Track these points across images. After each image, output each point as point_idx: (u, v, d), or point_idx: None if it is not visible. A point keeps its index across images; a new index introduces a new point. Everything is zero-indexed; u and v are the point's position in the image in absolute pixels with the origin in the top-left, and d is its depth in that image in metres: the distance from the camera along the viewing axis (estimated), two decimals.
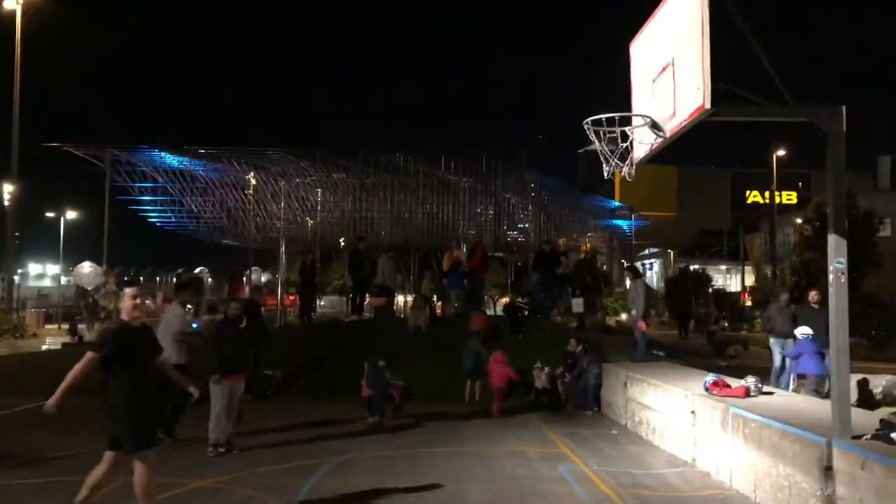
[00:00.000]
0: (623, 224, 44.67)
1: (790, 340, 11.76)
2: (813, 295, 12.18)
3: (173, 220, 29.55)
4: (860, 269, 24.41)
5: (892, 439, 5.76)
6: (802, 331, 11.17)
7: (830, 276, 6.34)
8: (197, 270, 58.55)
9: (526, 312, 16.74)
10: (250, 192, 27.63)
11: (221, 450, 8.80)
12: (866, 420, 6.67)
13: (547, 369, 13.00)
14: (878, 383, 11.81)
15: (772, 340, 12.62)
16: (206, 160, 26.63)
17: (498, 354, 12.77)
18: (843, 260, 6.31)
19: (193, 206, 28.62)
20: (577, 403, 12.55)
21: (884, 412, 7.34)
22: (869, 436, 5.98)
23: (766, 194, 62.66)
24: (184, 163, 27.03)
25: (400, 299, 27.01)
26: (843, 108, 6.34)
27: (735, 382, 8.94)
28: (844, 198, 6.82)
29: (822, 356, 10.59)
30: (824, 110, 6.40)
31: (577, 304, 16.85)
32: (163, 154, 26.36)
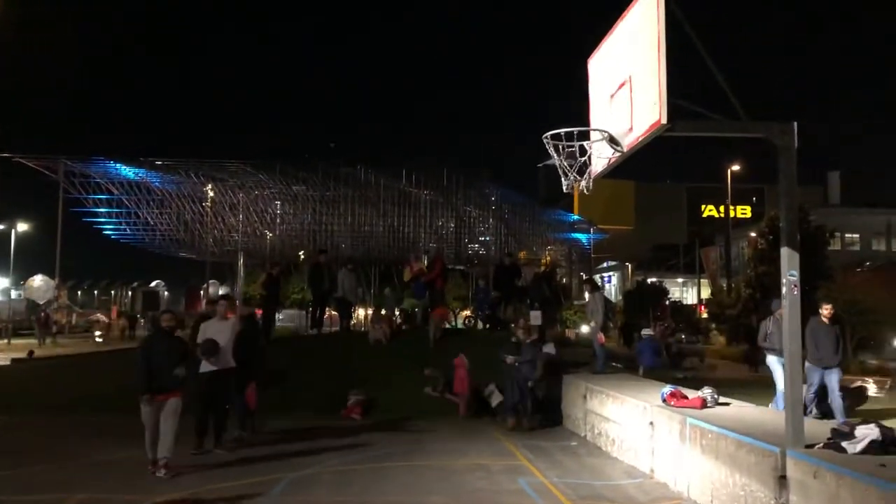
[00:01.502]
0: (582, 237, 45.16)
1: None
2: (826, 308, 10.98)
3: (128, 232, 29.10)
4: (812, 281, 24.97)
5: (843, 448, 5.89)
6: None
7: (783, 289, 6.49)
8: (153, 284, 57.66)
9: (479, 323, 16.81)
10: (208, 204, 27.32)
11: (153, 469, 8.33)
12: (818, 429, 6.81)
13: (493, 385, 12.91)
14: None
15: (771, 359, 11.07)
16: (162, 172, 26.31)
17: (459, 359, 12.84)
18: (796, 272, 6.46)
19: (149, 219, 28.25)
20: (508, 406, 12.12)
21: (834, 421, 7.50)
22: (821, 445, 6.11)
23: (721, 208, 63.89)
24: (140, 174, 26.66)
25: (360, 313, 26.89)
26: (795, 124, 6.51)
27: (692, 394, 9.06)
28: (797, 212, 6.98)
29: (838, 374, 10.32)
30: (777, 126, 6.55)
31: (536, 317, 16.94)
32: (118, 166, 25.96)
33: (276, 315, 18.69)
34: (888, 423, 6.40)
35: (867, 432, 5.94)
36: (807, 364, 10.80)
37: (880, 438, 5.86)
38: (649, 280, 58.91)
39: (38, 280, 37.07)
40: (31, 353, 23.38)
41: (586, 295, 16.51)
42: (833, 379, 10.26)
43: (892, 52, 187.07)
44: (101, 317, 47.83)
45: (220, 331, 9.91)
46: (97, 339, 31.33)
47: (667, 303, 49.80)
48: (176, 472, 8.37)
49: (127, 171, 26.25)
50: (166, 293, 52.92)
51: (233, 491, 7.77)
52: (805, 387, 11.27)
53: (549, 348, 14.88)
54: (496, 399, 12.72)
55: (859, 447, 5.84)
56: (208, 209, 27.33)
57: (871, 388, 14.60)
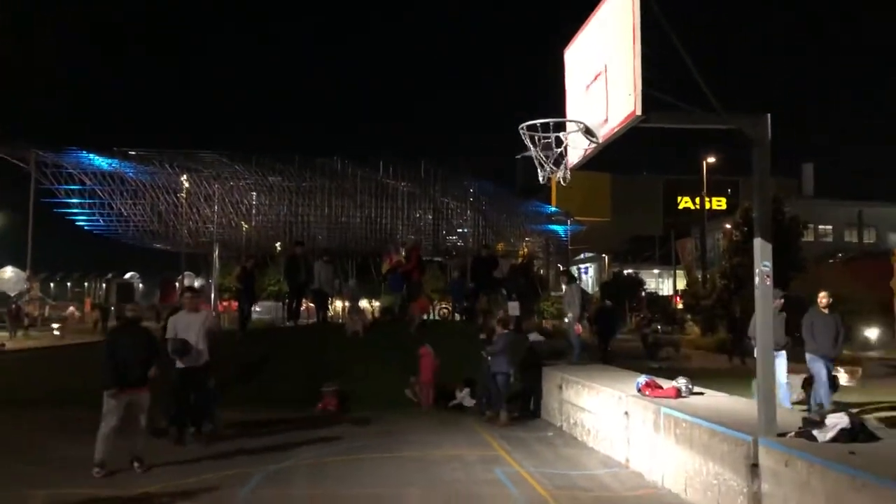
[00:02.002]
0: (559, 229, 45.34)
1: (784, 352, 10.70)
2: (822, 298, 10.93)
3: (102, 223, 28.74)
4: (785, 272, 25.27)
5: (813, 436, 5.96)
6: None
7: (756, 280, 6.54)
8: (127, 276, 57.04)
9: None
10: (183, 195, 27.05)
11: (101, 471, 7.94)
12: (791, 418, 6.89)
13: (467, 390, 12.84)
14: (799, 382, 12.23)
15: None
16: (136, 162, 25.99)
17: (425, 349, 12.80)
18: (769, 263, 6.51)
19: (123, 210, 27.91)
20: (483, 403, 12.11)
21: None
22: (792, 433, 6.18)
23: (697, 200, 64.43)
24: (113, 165, 26.31)
25: (338, 304, 26.79)
26: (769, 116, 6.55)
27: (667, 384, 9.12)
28: (770, 203, 7.05)
29: (828, 365, 10.36)
30: (751, 118, 6.59)
31: (514, 308, 16.99)
32: (91, 156, 25.60)
33: (253, 308, 18.53)
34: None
35: (837, 421, 6.01)
36: (807, 356, 10.84)
37: (850, 427, 5.93)
38: (626, 271, 59.34)
39: (9, 272, 36.51)
40: (1, 345, 23.07)
41: (563, 287, 16.59)
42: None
43: (866, 47, 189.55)
44: (73, 309, 47.25)
45: (189, 324, 9.73)
46: (55, 333, 30.69)
47: (643, 294, 50.22)
48: (149, 466, 8.29)
49: (100, 162, 25.88)
50: (141, 285, 52.35)
51: (208, 484, 7.72)
52: (799, 379, 11.36)
53: (535, 336, 14.95)
54: (468, 402, 12.67)
55: (829, 435, 5.91)
56: (183, 200, 27.04)
57: (843, 378, 14.82)
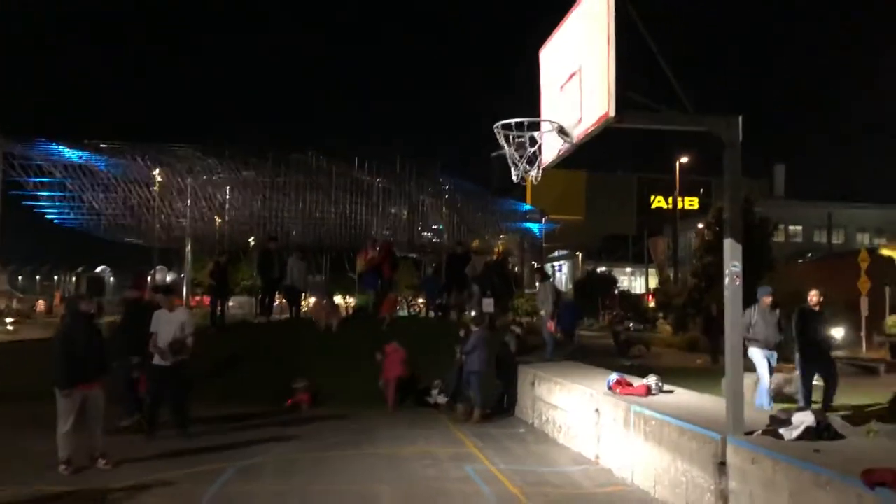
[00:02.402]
0: (534, 227, 45.47)
1: (775, 353, 10.64)
2: (813, 296, 10.78)
3: (72, 216, 28.28)
4: (756, 272, 25.56)
5: (780, 435, 6.05)
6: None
7: (726, 279, 6.62)
8: (98, 269, 56.34)
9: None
10: (156, 188, 26.74)
11: (68, 468, 7.82)
12: (758, 416, 6.99)
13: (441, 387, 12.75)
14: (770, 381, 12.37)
15: (754, 351, 10.47)
16: (108, 155, 25.62)
17: (391, 346, 12.80)
18: (738, 263, 6.58)
19: (95, 203, 27.48)
20: (452, 397, 12.16)
21: (774, 409, 7.71)
22: (759, 432, 6.27)
23: (670, 200, 64.91)
24: (84, 157, 25.92)
25: (312, 300, 26.63)
26: (740, 117, 6.62)
27: (637, 381, 9.21)
28: (740, 204, 7.12)
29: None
30: (722, 120, 6.66)
31: (488, 305, 17.04)
32: (61, 148, 25.18)
33: (227, 303, 18.40)
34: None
35: (803, 419, 6.11)
36: (797, 357, 10.74)
37: (815, 425, 6.03)
38: (599, 269, 59.73)
39: None
40: None
41: (537, 284, 16.67)
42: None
43: (838, 50, 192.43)
44: (41, 302, 46.56)
45: (169, 322, 9.82)
46: (8, 328, 29.63)
47: (616, 292, 50.60)
48: (117, 461, 8.21)
49: (71, 154, 25.49)
50: (111, 279, 51.77)
51: (179, 479, 7.68)
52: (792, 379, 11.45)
53: (488, 306, 15.01)
54: (442, 400, 12.63)
55: (795, 434, 6.00)
56: (156, 194, 26.74)
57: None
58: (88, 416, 8.09)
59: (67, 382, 7.87)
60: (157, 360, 9.75)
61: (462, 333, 12.39)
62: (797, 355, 10.83)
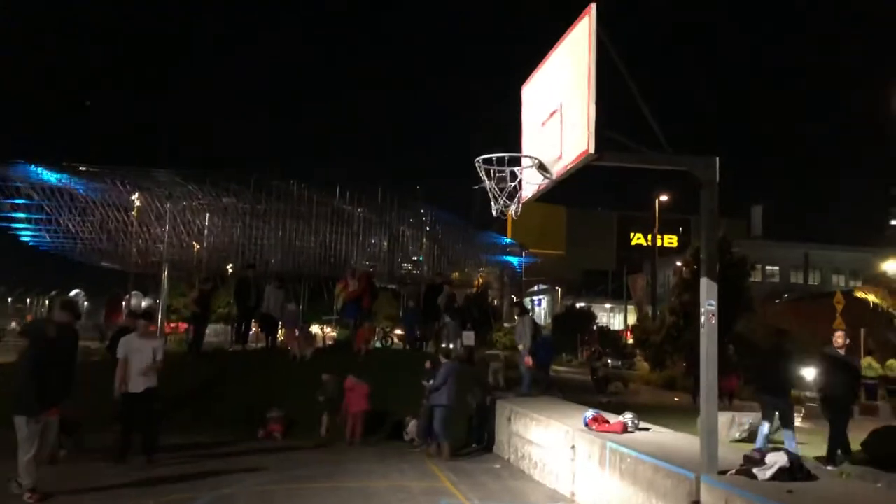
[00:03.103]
0: (514, 261, 45.54)
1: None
2: (838, 337, 10.35)
3: (48, 239, 27.90)
4: (733, 311, 25.71)
5: (754, 474, 6.05)
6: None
7: (702, 318, 6.65)
8: (72, 293, 55.58)
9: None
10: (133, 213, 26.51)
11: (34, 496, 7.54)
12: (733, 456, 6.98)
13: (414, 421, 12.46)
14: (745, 420, 12.42)
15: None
16: (86, 178, 25.42)
17: (350, 381, 12.52)
18: (714, 302, 6.63)
19: (71, 226, 27.15)
20: (420, 433, 11.85)
21: (748, 448, 7.70)
22: (734, 471, 6.26)
23: (649, 237, 65.44)
24: (62, 180, 25.68)
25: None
26: (717, 158, 6.72)
27: (613, 418, 9.18)
28: (717, 243, 7.20)
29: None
30: (700, 160, 6.75)
31: (468, 338, 16.99)
32: (39, 170, 24.94)
33: (205, 331, 18.15)
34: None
35: (776, 459, 6.11)
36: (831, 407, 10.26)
37: (788, 465, 6.04)
38: (578, 305, 59.90)
39: None
40: None
41: (515, 318, 16.66)
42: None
43: (816, 90, 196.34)
44: (15, 325, 45.82)
45: (141, 348, 9.77)
46: None
47: (594, 328, 50.70)
48: (84, 488, 8.04)
49: (48, 176, 25.25)
50: (86, 303, 51.08)
51: None
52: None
53: (468, 339, 14.87)
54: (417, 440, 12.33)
55: (769, 473, 6.00)
56: (134, 218, 26.49)
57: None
58: (43, 442, 7.81)
59: (40, 409, 7.65)
60: (127, 386, 9.64)
61: (427, 365, 12.07)
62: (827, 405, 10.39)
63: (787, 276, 57.41)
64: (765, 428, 10.41)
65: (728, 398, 18.07)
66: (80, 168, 24.42)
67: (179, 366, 15.04)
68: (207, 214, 27.63)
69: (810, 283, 55.38)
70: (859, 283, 41.74)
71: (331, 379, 12.82)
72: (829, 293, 32.40)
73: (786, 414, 10.31)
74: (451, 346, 15.56)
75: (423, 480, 9.59)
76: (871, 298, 28.01)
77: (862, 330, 24.97)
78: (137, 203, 26.10)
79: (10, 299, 63.12)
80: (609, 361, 35.93)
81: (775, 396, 10.39)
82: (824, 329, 24.16)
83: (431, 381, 11.56)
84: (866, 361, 21.33)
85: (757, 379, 11.73)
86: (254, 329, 19.88)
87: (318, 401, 12.69)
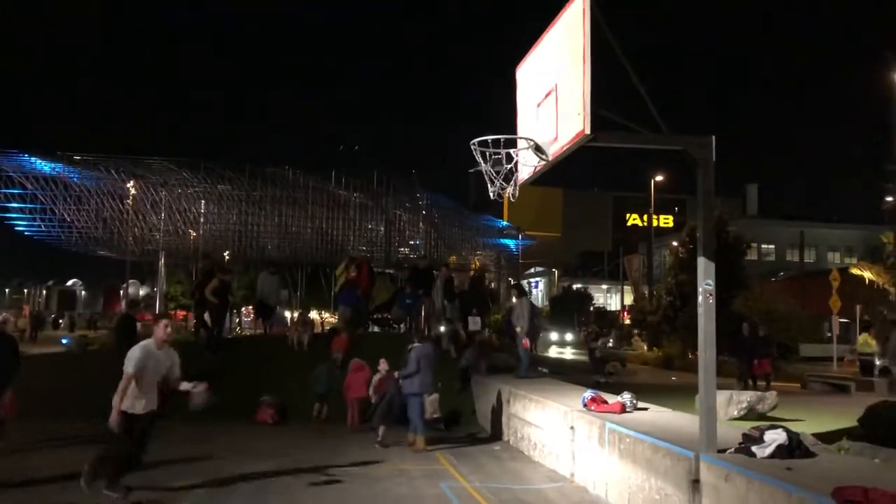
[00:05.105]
0: (510, 243, 45.58)
1: None
2: None
3: (43, 229, 27.85)
4: (729, 290, 25.81)
5: (752, 452, 6.07)
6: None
7: (700, 297, 6.65)
8: (69, 283, 55.59)
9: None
10: (129, 201, 26.43)
11: None
12: (731, 434, 7.01)
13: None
14: (743, 399, 12.46)
15: None
16: (81, 167, 25.34)
17: (357, 363, 12.54)
18: (712, 282, 6.63)
19: (66, 215, 27.10)
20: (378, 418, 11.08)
21: (746, 426, 7.73)
22: (732, 449, 6.29)
23: (645, 218, 65.47)
24: (57, 169, 25.60)
25: (287, 315, 26.47)
26: (713, 137, 6.69)
27: (612, 398, 9.21)
28: (714, 222, 7.19)
29: None
30: (696, 139, 6.73)
31: (475, 323, 16.96)
32: (33, 159, 24.84)
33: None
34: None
35: (775, 437, 6.13)
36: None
37: (787, 443, 6.06)
38: (575, 286, 60.02)
39: None
40: None
41: (513, 300, 16.65)
42: None
43: (815, 71, 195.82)
44: (9, 316, 45.76)
45: (159, 362, 7.58)
46: None
47: (591, 308, 50.85)
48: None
49: (43, 166, 25.16)
50: (83, 292, 51.08)
51: (149, 497, 7.51)
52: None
53: (475, 324, 14.88)
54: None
55: (767, 451, 6.03)
56: (129, 207, 26.41)
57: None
58: None
59: None
60: (127, 405, 7.26)
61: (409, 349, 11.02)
62: None
63: (783, 255, 57.53)
64: None
65: (765, 381, 17.47)
66: (75, 157, 24.33)
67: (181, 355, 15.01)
68: (203, 202, 27.59)
69: (806, 260, 55.48)
70: (854, 261, 41.88)
71: (324, 368, 12.89)
72: (825, 271, 32.48)
73: None
74: (452, 329, 15.62)
75: (422, 463, 9.63)
76: (867, 275, 28.10)
77: (858, 307, 25.09)
78: (133, 191, 26.03)
79: (7, 290, 63.01)
80: (611, 342, 35.92)
81: None
82: (821, 306, 24.31)
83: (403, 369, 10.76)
84: (863, 338, 21.40)
85: None
86: (251, 316, 19.82)
87: (310, 387, 12.77)
